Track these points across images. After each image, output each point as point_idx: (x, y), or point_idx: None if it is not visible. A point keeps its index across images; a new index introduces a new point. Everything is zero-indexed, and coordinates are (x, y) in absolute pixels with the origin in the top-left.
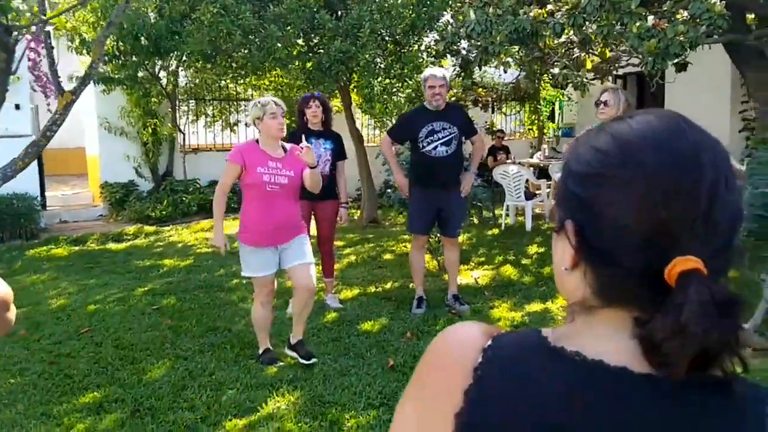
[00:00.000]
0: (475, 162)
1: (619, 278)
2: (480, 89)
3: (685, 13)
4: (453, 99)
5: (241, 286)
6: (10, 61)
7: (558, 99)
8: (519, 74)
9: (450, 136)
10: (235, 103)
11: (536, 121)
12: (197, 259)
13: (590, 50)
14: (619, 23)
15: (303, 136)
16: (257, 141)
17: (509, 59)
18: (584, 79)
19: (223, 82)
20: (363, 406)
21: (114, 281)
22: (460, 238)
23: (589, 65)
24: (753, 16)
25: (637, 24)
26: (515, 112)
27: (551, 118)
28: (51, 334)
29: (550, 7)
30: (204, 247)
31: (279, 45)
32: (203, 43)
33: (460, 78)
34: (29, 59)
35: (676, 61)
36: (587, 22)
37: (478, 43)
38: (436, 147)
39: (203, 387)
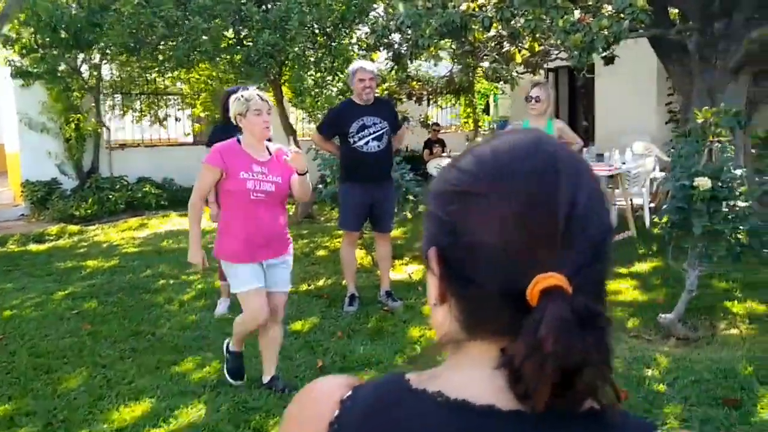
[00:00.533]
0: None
1: (483, 303)
2: (414, 82)
3: (610, 8)
4: (386, 93)
5: (168, 287)
6: None
7: (492, 92)
8: (452, 67)
9: (382, 131)
10: (163, 97)
11: (471, 114)
12: (123, 259)
13: (520, 44)
14: (547, 17)
15: (291, 140)
16: (239, 140)
17: (442, 52)
18: (513, 73)
19: (150, 75)
20: None
21: (33, 285)
22: (395, 233)
23: (518, 59)
24: (677, 11)
25: (563, 18)
26: (451, 105)
27: (486, 111)
28: None
29: (479, 0)
30: (131, 247)
31: (205, 38)
32: (124, 36)
33: (394, 71)
34: None
35: (603, 54)
36: (515, 17)
37: (408, 37)
38: (368, 142)
39: (121, 396)
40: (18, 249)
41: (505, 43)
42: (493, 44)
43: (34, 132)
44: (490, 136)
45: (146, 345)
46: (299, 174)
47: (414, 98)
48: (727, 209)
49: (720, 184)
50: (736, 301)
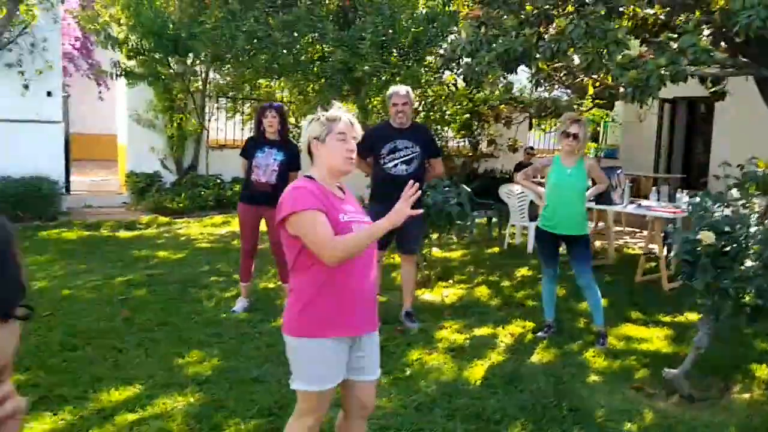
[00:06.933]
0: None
1: None
2: (502, 105)
3: (675, 46)
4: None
5: (216, 284)
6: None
7: (602, 119)
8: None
9: (412, 155)
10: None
11: None
12: (192, 252)
13: (592, 75)
14: (605, 51)
15: None
16: (311, 177)
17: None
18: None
19: (253, 82)
20: (253, 414)
21: (101, 268)
22: (452, 254)
23: (591, 90)
24: None
25: (622, 54)
26: (553, 128)
27: (595, 138)
28: None
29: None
30: (204, 242)
31: (284, 51)
32: (208, 46)
33: (500, 91)
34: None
35: (713, 89)
36: (574, 49)
37: (469, 63)
38: (396, 165)
39: (119, 380)
40: (107, 234)
41: (578, 73)
42: (561, 74)
43: (141, 128)
44: None
45: (164, 336)
46: None
47: (503, 121)
48: (739, 267)
49: (732, 240)
50: (766, 364)
